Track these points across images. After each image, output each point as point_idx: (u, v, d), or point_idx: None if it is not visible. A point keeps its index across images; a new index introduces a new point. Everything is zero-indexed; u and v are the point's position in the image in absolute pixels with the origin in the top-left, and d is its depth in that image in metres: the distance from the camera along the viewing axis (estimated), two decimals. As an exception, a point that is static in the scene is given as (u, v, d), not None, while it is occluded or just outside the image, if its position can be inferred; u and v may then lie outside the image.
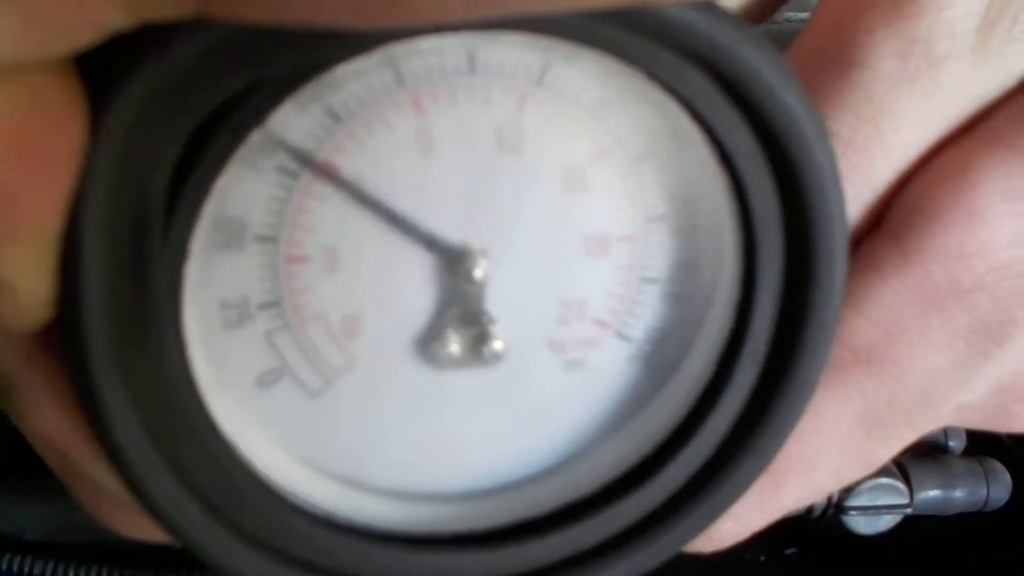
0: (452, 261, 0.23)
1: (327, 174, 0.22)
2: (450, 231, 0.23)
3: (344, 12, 0.15)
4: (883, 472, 0.42)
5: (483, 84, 0.22)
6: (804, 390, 0.24)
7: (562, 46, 0.21)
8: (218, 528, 0.21)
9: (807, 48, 0.26)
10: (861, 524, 0.42)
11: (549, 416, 0.25)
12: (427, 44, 0.21)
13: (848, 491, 0.41)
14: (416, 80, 0.22)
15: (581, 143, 0.23)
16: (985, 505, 0.43)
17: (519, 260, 0.23)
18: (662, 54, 0.21)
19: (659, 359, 0.25)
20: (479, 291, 0.23)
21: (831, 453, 0.26)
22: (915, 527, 0.44)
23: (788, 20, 0.37)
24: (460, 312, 0.23)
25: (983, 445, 0.44)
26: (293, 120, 0.21)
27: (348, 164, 0.22)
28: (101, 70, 0.18)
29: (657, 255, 0.24)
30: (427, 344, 0.24)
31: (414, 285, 0.23)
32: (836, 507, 0.42)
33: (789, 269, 0.23)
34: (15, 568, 0.41)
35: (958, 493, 0.43)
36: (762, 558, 0.48)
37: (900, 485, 0.42)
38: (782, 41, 0.25)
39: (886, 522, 0.43)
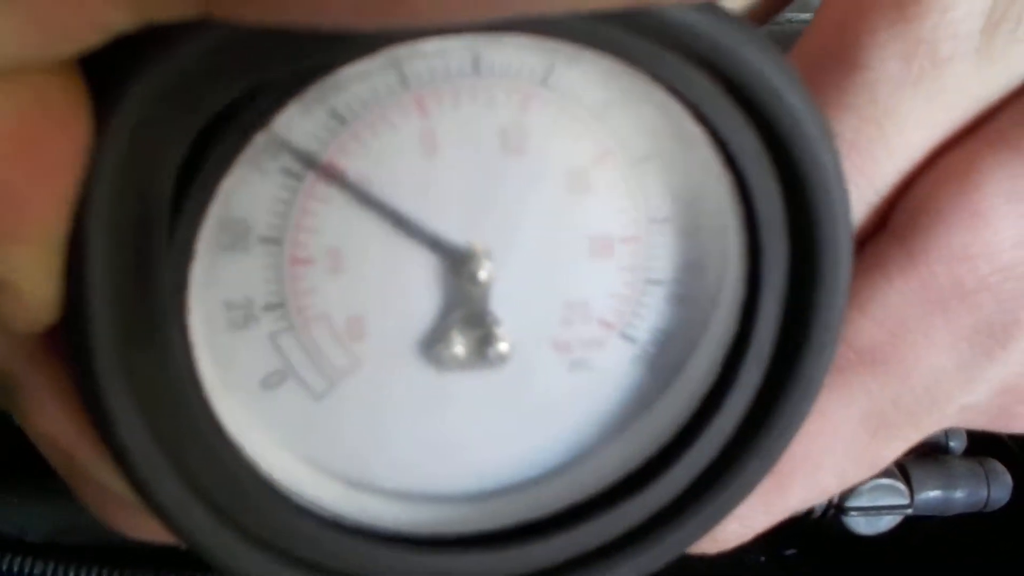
0: (456, 262, 0.23)
1: (331, 176, 0.22)
2: (454, 232, 0.23)
3: (347, 13, 0.15)
4: (884, 473, 0.42)
5: (487, 86, 0.22)
6: (809, 391, 0.24)
7: (565, 48, 0.21)
8: (223, 529, 0.21)
9: (810, 49, 0.26)
10: (862, 525, 0.42)
11: (554, 417, 0.25)
12: (431, 46, 0.21)
13: (848, 492, 0.42)
14: (420, 82, 0.22)
15: (585, 144, 0.23)
16: (986, 506, 0.43)
17: (523, 261, 0.23)
18: (665, 55, 0.21)
19: (664, 360, 0.25)
20: (483, 292, 0.23)
21: (836, 454, 0.26)
22: (915, 528, 0.44)
23: (789, 21, 0.37)
24: (464, 313, 0.23)
25: (984, 446, 0.44)
26: (297, 122, 0.21)
27: (352, 166, 0.22)
28: (106, 71, 0.18)
29: (661, 256, 0.24)
30: (431, 345, 0.24)
31: (418, 287, 0.23)
32: (837, 508, 0.42)
33: (794, 270, 0.23)
34: (15, 569, 0.41)
35: (959, 494, 0.43)
36: (762, 559, 0.48)
37: (901, 486, 0.42)
38: (784, 42, 0.25)
39: (887, 523, 0.43)
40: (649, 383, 0.25)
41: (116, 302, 0.19)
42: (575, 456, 0.25)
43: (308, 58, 0.19)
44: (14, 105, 0.16)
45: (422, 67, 0.21)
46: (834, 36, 0.25)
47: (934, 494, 0.43)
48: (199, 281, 0.21)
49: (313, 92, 0.20)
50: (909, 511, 0.42)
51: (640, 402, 0.25)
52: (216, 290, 0.22)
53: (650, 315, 0.25)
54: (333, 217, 0.22)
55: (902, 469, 0.43)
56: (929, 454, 0.44)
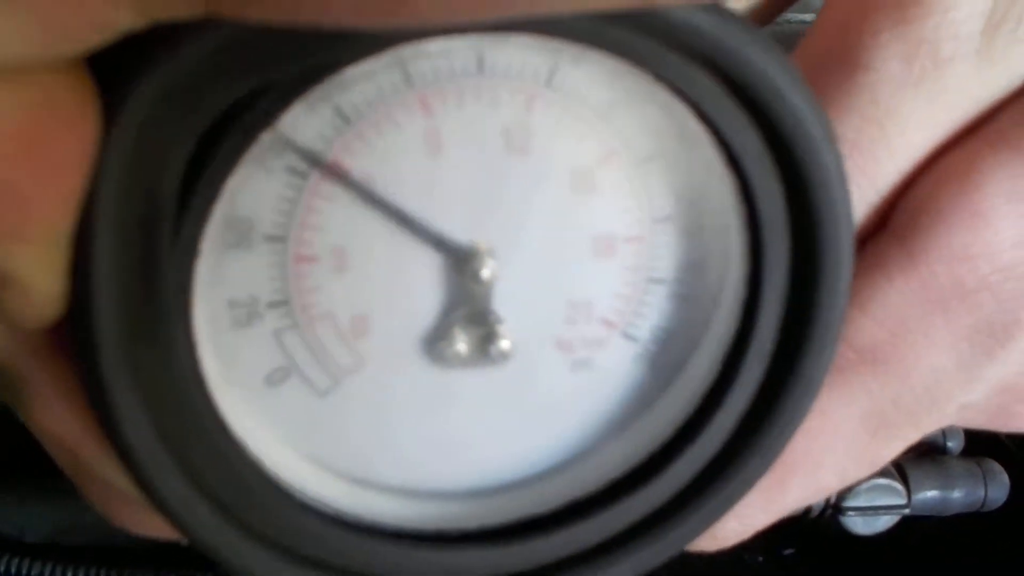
0: (460, 261, 0.23)
1: (336, 174, 0.22)
2: (458, 231, 0.23)
3: (349, 13, 0.15)
4: (881, 473, 0.42)
5: (491, 85, 0.22)
6: (809, 389, 0.24)
7: (569, 48, 0.21)
8: (227, 527, 0.21)
9: (812, 50, 0.26)
10: (859, 525, 0.42)
11: (556, 415, 0.25)
12: (435, 46, 0.21)
13: (846, 492, 0.41)
14: (424, 81, 0.22)
15: (589, 144, 0.23)
16: (983, 506, 0.43)
17: (526, 260, 0.23)
18: (669, 55, 0.21)
19: (665, 359, 0.25)
20: (486, 291, 0.23)
21: (836, 453, 0.26)
22: (913, 528, 0.44)
23: (788, 21, 0.37)
24: (468, 312, 0.23)
25: (981, 446, 0.45)
26: (302, 121, 0.21)
27: (357, 164, 0.22)
28: (112, 70, 0.18)
29: (664, 256, 0.24)
30: (435, 343, 0.24)
31: (422, 285, 0.23)
32: (834, 508, 0.42)
33: (795, 270, 0.23)
34: (14, 570, 0.41)
35: (956, 494, 0.43)
36: (760, 559, 0.48)
37: (898, 486, 0.42)
38: (785, 42, 0.25)
39: (884, 523, 0.43)
40: (650, 381, 0.25)
41: (121, 299, 0.19)
42: (577, 453, 0.25)
43: (313, 58, 0.19)
44: (21, 104, 0.16)
45: (426, 67, 0.21)
46: (836, 37, 0.25)
47: (931, 494, 0.43)
48: (204, 279, 0.21)
49: (318, 91, 0.20)
50: (906, 511, 0.42)
51: (641, 400, 0.25)
52: (221, 288, 0.22)
53: (652, 314, 0.25)
54: (338, 216, 0.22)
55: (899, 469, 0.43)
56: (927, 454, 0.44)
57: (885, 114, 0.24)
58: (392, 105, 0.22)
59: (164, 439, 0.20)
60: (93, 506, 0.24)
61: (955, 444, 0.44)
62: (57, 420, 0.21)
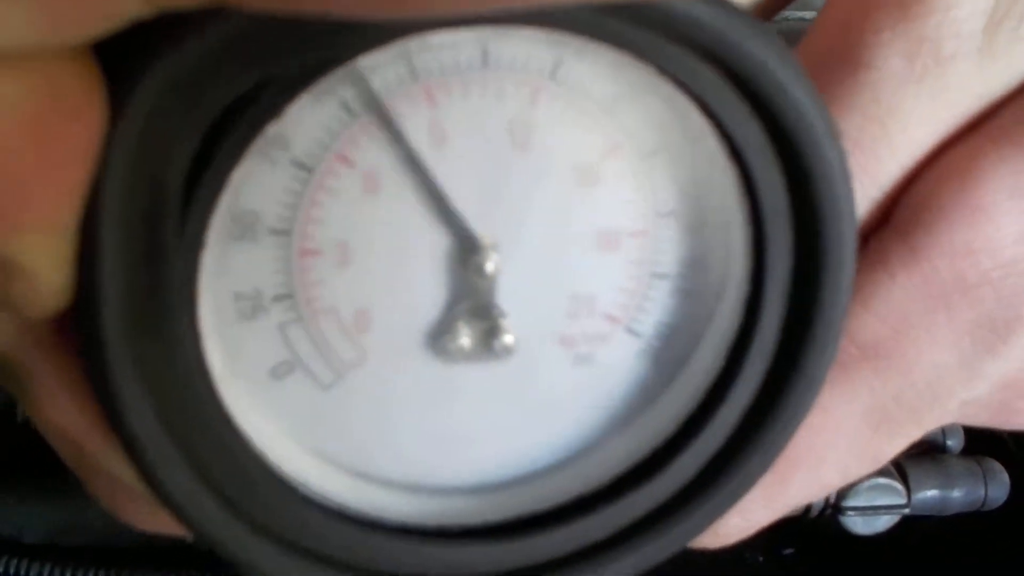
0: (463, 255, 0.23)
1: (388, 125, 0.21)
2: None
3: (356, 3, 0.15)
4: (881, 472, 0.42)
5: (496, 78, 0.22)
6: (812, 385, 0.24)
7: (574, 41, 0.21)
8: (233, 521, 0.21)
9: (814, 48, 0.26)
10: (859, 524, 0.42)
11: (559, 410, 0.25)
12: (440, 38, 0.21)
13: (846, 491, 0.41)
14: (429, 74, 0.22)
15: (593, 138, 0.23)
16: (983, 505, 0.43)
17: (530, 254, 0.23)
18: (671, 49, 0.21)
19: (668, 354, 0.25)
20: (490, 285, 0.23)
21: (838, 449, 0.26)
22: (913, 527, 0.44)
23: (787, 19, 0.37)
24: (471, 306, 0.23)
25: (981, 445, 0.45)
26: (308, 113, 0.21)
27: (362, 157, 0.22)
28: (119, 60, 0.18)
29: (667, 250, 0.24)
30: (438, 338, 0.24)
31: (425, 279, 0.23)
32: (834, 507, 0.42)
33: (798, 265, 0.23)
34: (13, 570, 0.40)
35: (956, 493, 0.43)
36: (760, 558, 0.48)
37: (898, 485, 0.42)
38: (785, 40, 0.25)
39: (884, 522, 0.43)
40: (653, 377, 0.25)
41: (127, 291, 0.19)
42: (580, 449, 0.25)
43: (319, 50, 0.19)
44: (26, 92, 0.16)
45: (431, 59, 0.21)
46: (838, 35, 0.25)
47: (931, 493, 0.43)
48: (209, 271, 0.21)
49: (324, 83, 0.20)
50: (906, 511, 0.42)
51: (644, 396, 0.25)
52: (226, 280, 0.22)
53: (655, 309, 0.25)
54: (341, 210, 0.22)
55: (899, 468, 0.43)
56: (926, 453, 0.44)
57: (887, 112, 0.24)
58: (397, 97, 0.22)
59: (169, 431, 0.20)
60: (98, 501, 0.24)
61: (955, 443, 0.44)
62: (62, 412, 0.21)
